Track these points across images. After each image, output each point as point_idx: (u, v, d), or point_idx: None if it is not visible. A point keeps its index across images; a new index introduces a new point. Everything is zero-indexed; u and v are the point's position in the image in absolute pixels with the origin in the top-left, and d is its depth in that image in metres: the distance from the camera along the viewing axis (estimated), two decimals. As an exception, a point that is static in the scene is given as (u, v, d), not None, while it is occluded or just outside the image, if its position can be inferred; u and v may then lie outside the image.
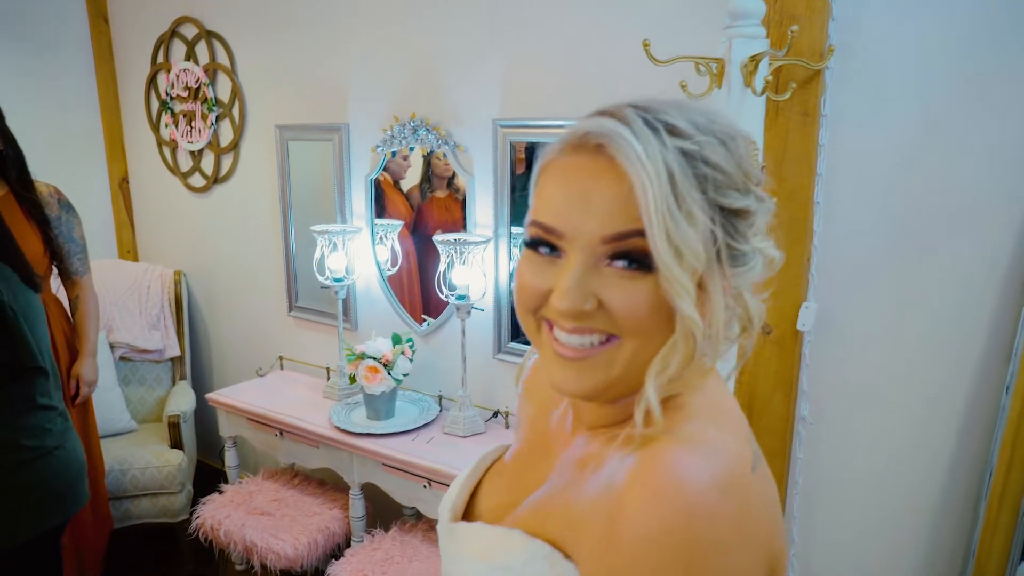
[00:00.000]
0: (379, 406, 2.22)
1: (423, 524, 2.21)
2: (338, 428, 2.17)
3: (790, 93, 1.51)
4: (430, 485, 1.98)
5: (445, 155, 2.19)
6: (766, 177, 0.60)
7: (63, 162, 3.09)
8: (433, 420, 2.24)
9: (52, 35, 3.06)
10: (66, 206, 2.23)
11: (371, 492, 2.22)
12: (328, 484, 2.45)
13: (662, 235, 0.51)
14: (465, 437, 2.14)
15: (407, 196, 2.36)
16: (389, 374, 2.18)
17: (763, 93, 1.41)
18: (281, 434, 2.33)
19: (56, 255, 2.18)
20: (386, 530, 2.17)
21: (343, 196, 2.48)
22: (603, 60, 1.85)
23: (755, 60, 1.39)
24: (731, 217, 0.55)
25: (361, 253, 2.45)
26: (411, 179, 2.34)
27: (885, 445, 1.65)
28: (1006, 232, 1.44)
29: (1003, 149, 1.42)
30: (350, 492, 2.21)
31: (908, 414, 1.61)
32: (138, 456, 2.56)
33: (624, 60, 1.79)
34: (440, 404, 2.34)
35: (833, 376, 1.68)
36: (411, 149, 2.25)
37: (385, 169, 2.37)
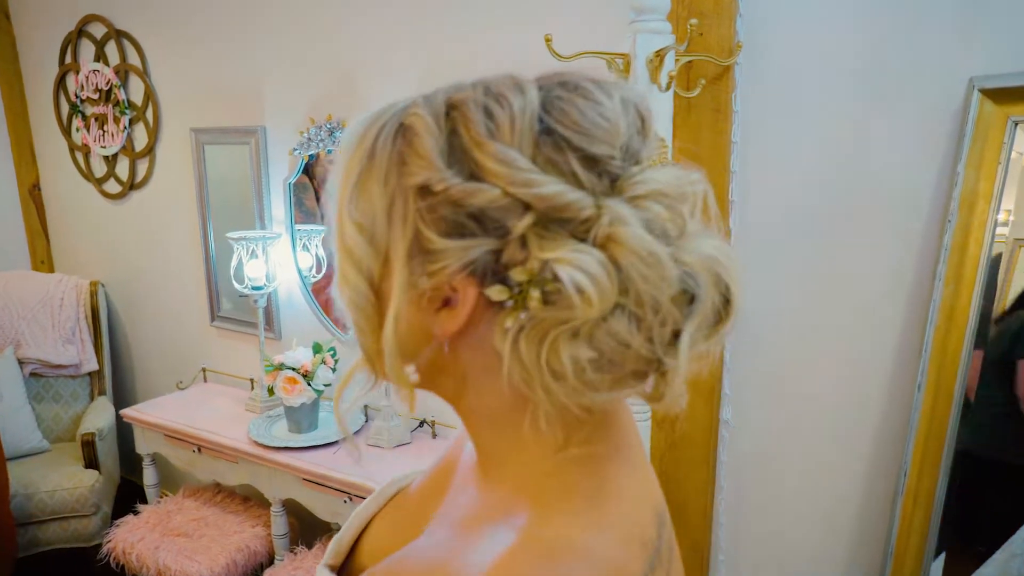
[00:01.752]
0: (300, 418, 2.14)
1: (348, 539, 2.12)
2: (256, 442, 2.08)
3: (699, 89, 1.49)
4: (351, 500, 1.91)
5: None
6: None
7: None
8: (358, 431, 2.17)
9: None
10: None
11: (296, 508, 2.14)
12: (252, 500, 2.35)
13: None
14: (390, 448, 2.07)
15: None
16: (309, 385, 2.10)
17: (668, 89, 1.38)
18: (199, 450, 2.22)
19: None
20: (309, 547, 2.09)
21: (262, 201, 2.38)
22: (513, 56, 1.80)
23: (660, 55, 1.36)
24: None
25: (282, 260, 2.36)
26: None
27: (805, 445, 1.64)
28: (914, 227, 1.44)
29: (908, 146, 1.42)
30: (271, 508, 2.12)
31: (826, 413, 1.60)
32: (47, 478, 2.42)
33: (534, 56, 1.75)
34: (366, 414, 2.27)
35: (751, 377, 1.67)
36: (328, 151, 2.17)
37: (308, 173, 2.28)
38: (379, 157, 0.46)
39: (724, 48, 1.51)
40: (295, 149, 2.25)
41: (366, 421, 2.23)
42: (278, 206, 2.36)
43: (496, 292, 0.44)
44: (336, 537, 0.71)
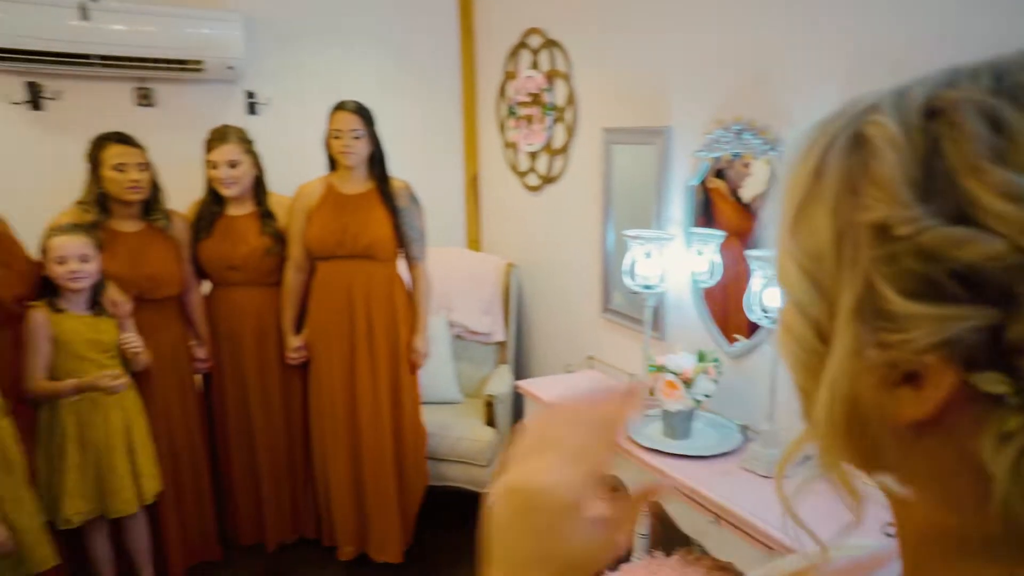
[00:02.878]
0: (675, 424, 2.11)
1: (708, 561, 2.04)
2: (630, 438, 2.12)
3: None
4: (718, 522, 1.81)
5: (771, 163, 1.97)
6: None
7: (427, 159, 3.58)
8: (733, 451, 2.05)
9: (427, 49, 3.55)
10: (413, 199, 2.58)
11: (659, 512, 2.13)
12: (620, 492, 2.42)
13: None
14: (765, 477, 1.91)
15: (746, 206, 2.16)
16: (688, 392, 2.06)
17: None
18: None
19: (402, 240, 2.54)
20: (667, 554, 2.06)
21: (661, 202, 2.40)
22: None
23: None
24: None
25: (676, 262, 2.35)
26: (752, 188, 2.13)
27: None
28: None
29: None
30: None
31: None
32: (457, 426, 2.86)
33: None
34: (744, 435, 2.13)
35: None
36: (734, 155, 2.07)
37: (721, 176, 2.21)
38: (828, 178, 0.35)
39: None
40: (699, 151, 2.20)
41: (743, 441, 2.10)
42: (676, 208, 2.35)
43: (991, 382, 0.31)
44: None
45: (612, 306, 2.75)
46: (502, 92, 3.38)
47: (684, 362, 2.09)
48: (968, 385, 0.31)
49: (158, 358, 2.40)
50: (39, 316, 2.08)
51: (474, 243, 3.79)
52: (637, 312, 2.55)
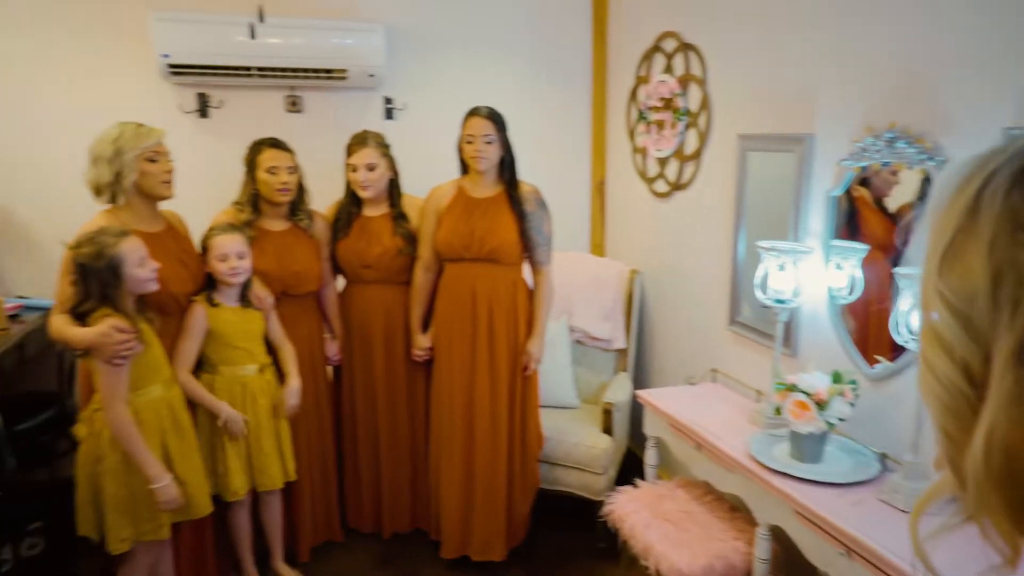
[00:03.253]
0: (804, 446, 2.00)
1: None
2: (754, 458, 2.03)
3: None
4: (849, 555, 1.70)
5: (927, 172, 1.81)
6: None
7: (555, 163, 3.60)
8: (869, 480, 1.91)
9: (560, 55, 3.57)
10: (541, 204, 2.60)
11: (782, 537, 2.02)
12: (739, 513, 2.33)
13: None
14: (905, 512, 1.76)
15: (892, 217, 2.02)
16: (821, 414, 1.94)
17: None
18: (698, 447, 2.29)
19: (527, 245, 2.56)
20: (791, 585, 1.95)
21: (798, 212, 2.28)
22: None
23: None
24: None
25: (812, 275, 2.23)
26: (899, 197, 1.97)
27: None
28: None
29: None
30: (757, 529, 2.05)
31: None
32: (574, 431, 2.86)
33: None
34: (883, 464, 1.98)
35: None
36: (884, 164, 1.92)
37: (866, 184, 2.07)
38: (985, 215, 0.34)
39: None
40: (844, 160, 2.07)
41: (882, 471, 1.95)
42: (815, 219, 2.23)
43: None
44: None
45: (740, 318, 2.64)
46: (633, 97, 3.35)
47: (817, 382, 1.97)
48: None
49: (295, 349, 2.57)
50: (199, 310, 2.29)
51: (598, 248, 3.77)
52: (767, 326, 2.44)
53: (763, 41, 2.44)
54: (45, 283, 3.06)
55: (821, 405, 1.94)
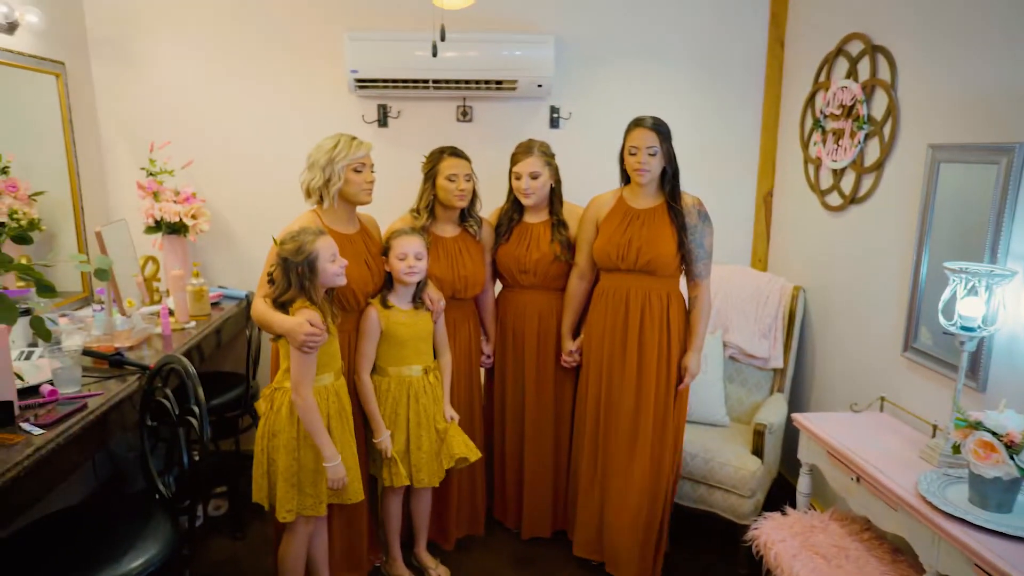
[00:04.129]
0: (989, 492, 1.78)
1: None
2: (923, 498, 1.85)
3: None
4: (1037, 620, 1.49)
5: None
6: None
7: (720, 173, 3.50)
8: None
9: (730, 59, 3.46)
10: (704, 217, 2.52)
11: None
12: (902, 556, 2.13)
13: None
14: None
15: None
16: (1012, 459, 1.73)
17: None
18: (857, 480, 2.13)
19: (686, 258, 2.50)
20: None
21: (999, 231, 2.04)
22: None
23: None
24: None
25: (1011, 302, 1.99)
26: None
27: None
28: None
29: None
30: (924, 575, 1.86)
31: None
32: (721, 451, 2.75)
33: None
34: (1086, 521, 1.72)
35: None
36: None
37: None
38: None
39: None
40: (1059, 172, 1.82)
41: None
42: (1020, 239, 1.98)
43: None
44: None
45: (916, 344, 2.41)
46: (809, 104, 3.17)
47: (1009, 422, 1.75)
48: None
49: (454, 350, 2.70)
50: (373, 312, 2.48)
51: (759, 262, 3.61)
52: (949, 356, 2.21)
53: (966, 41, 2.22)
54: (241, 275, 3.49)
55: (1013, 448, 1.72)
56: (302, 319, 2.09)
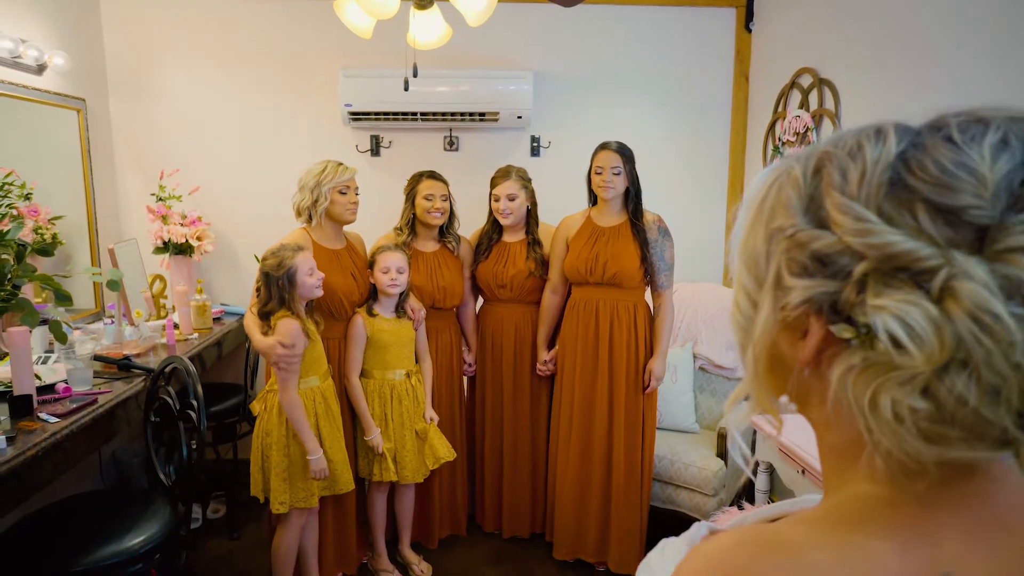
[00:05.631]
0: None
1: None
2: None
3: None
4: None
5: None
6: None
7: (692, 196, 3.73)
8: None
9: (700, 93, 3.72)
10: (664, 232, 2.74)
11: None
12: None
13: None
14: None
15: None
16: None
17: None
18: (803, 472, 2.30)
19: (649, 270, 2.72)
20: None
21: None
22: None
23: None
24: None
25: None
26: None
27: None
28: None
29: None
30: None
31: None
32: (688, 453, 2.93)
33: None
34: None
35: None
36: None
37: None
38: (767, 203, 0.53)
39: None
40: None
41: None
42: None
43: (840, 329, 0.46)
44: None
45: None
46: (770, 132, 3.41)
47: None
48: (831, 335, 0.47)
49: (436, 355, 2.91)
50: (360, 320, 2.70)
51: (731, 281, 3.81)
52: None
53: (898, 73, 2.46)
54: (242, 293, 3.72)
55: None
56: (274, 341, 2.28)
